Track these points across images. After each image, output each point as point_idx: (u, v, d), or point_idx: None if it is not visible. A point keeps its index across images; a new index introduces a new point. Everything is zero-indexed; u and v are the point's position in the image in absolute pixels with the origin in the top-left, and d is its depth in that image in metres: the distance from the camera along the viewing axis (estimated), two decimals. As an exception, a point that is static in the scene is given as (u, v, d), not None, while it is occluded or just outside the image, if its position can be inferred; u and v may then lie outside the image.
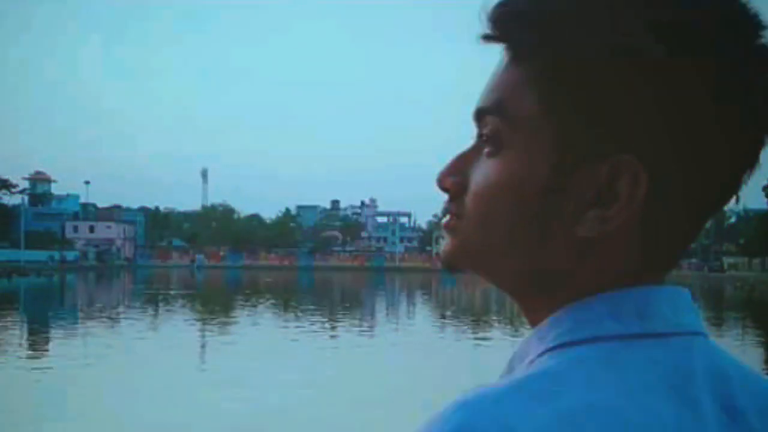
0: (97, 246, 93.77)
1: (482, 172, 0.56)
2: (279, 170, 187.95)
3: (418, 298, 43.03)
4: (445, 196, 0.59)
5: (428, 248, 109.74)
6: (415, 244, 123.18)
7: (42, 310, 29.77)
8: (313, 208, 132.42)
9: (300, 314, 27.32)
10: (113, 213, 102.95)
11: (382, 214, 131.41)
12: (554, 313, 0.55)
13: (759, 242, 79.09)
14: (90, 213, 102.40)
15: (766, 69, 0.53)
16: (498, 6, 0.55)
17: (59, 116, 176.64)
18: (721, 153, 0.53)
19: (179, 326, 22.26)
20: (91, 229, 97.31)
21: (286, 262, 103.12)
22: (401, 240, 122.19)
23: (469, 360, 15.32)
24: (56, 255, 79.02)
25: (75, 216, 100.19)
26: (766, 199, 74.39)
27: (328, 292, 47.29)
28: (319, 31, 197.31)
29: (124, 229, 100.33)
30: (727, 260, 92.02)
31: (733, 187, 0.56)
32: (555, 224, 0.54)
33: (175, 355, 15.69)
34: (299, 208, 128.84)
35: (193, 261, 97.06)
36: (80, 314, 27.31)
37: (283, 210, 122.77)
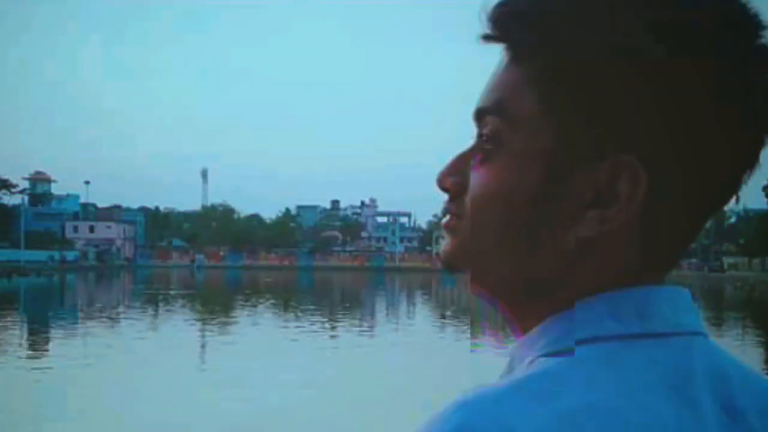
0: (97, 246, 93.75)
1: (475, 179, 0.56)
2: (279, 170, 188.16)
3: (418, 298, 43.05)
4: (445, 196, 0.59)
5: (428, 248, 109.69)
6: (415, 244, 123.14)
7: (42, 310, 29.77)
8: (313, 208, 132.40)
9: (300, 314, 27.32)
10: (113, 213, 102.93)
11: (382, 214, 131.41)
12: (555, 313, 0.55)
13: (759, 242, 79.07)
14: (90, 213, 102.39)
15: (766, 69, 0.53)
16: (498, 6, 0.55)
17: (59, 116, 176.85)
18: (721, 153, 0.53)
19: (179, 326, 22.26)
20: (91, 229, 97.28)
21: (286, 262, 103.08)
22: (401, 240, 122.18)
23: (469, 360, 15.32)
24: (56, 255, 79.00)
25: (75, 216, 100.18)
26: (766, 199, 74.45)
27: (328, 292, 47.29)
28: (319, 31, 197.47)
29: (124, 229, 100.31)
30: (727, 260, 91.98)
31: (733, 187, 0.55)
32: (544, 233, 0.54)
33: (175, 355, 15.69)
34: (299, 208, 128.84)
35: (193, 261, 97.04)
36: (80, 314, 27.31)
37: (283, 210, 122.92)
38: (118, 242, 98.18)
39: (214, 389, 11.29)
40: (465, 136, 0.59)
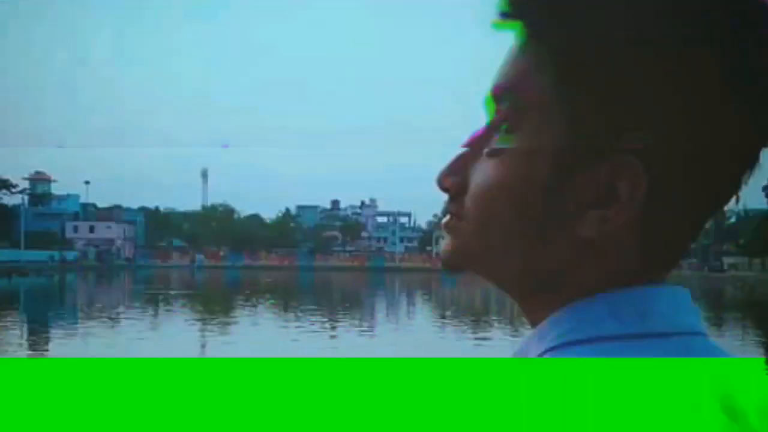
0: (97, 246, 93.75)
1: (482, 172, 0.56)
2: (279, 170, 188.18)
3: (418, 298, 43.01)
4: (445, 196, 0.59)
5: (428, 248, 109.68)
6: (415, 244, 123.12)
7: (42, 309, 29.75)
8: (313, 208, 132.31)
9: (300, 314, 27.30)
10: (113, 213, 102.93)
11: (382, 214, 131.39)
12: (554, 313, 0.55)
13: (759, 242, 79.09)
14: (90, 213, 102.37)
15: (766, 69, 0.52)
16: None
17: (60, 116, 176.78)
18: (721, 153, 0.53)
19: (179, 326, 22.25)
20: (91, 229, 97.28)
21: (286, 262, 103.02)
22: (401, 240, 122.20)
23: (469, 360, 15.30)
24: (56, 255, 78.96)
25: (75, 216, 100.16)
26: (766, 199, 74.45)
27: (328, 292, 47.25)
28: (320, 33, 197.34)
29: (124, 229, 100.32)
30: (727, 260, 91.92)
31: (733, 187, 0.55)
32: (555, 225, 0.54)
33: (175, 355, 15.68)
34: (299, 208, 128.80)
35: (193, 261, 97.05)
36: (80, 314, 27.30)
37: (283, 210, 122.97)
38: (118, 242, 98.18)
39: (214, 389, 11.29)
40: (464, 136, 0.59)
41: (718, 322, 24.98)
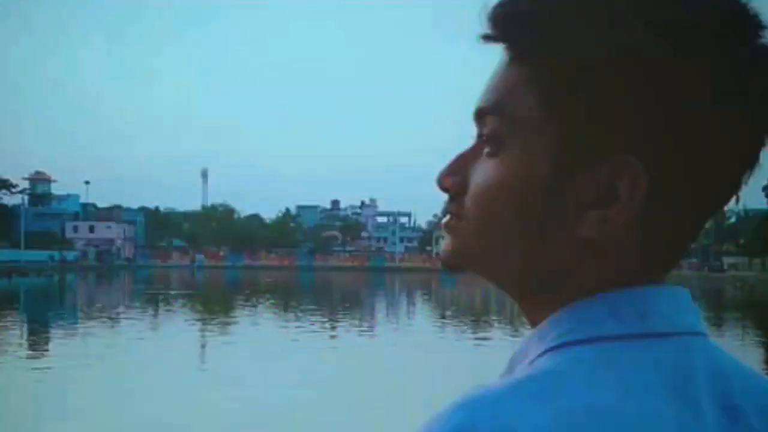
0: (97, 246, 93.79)
1: (482, 172, 0.56)
2: (279, 170, 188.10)
3: (418, 298, 43.00)
4: (445, 196, 0.59)
5: (428, 248, 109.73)
6: (415, 244, 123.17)
7: (42, 309, 29.75)
8: (313, 208, 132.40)
9: (300, 314, 27.29)
10: (113, 213, 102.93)
11: (382, 214, 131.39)
12: (554, 313, 0.55)
13: (759, 242, 79.15)
14: (90, 213, 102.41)
15: (767, 69, 0.53)
16: (498, 6, 0.55)
17: (59, 116, 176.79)
18: (721, 153, 0.53)
19: (179, 326, 22.24)
20: (91, 229, 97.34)
21: (286, 262, 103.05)
22: (401, 240, 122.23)
23: (469, 360, 15.30)
24: (56, 255, 78.97)
25: (75, 216, 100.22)
26: (766, 199, 74.53)
27: (328, 292, 47.25)
28: (320, 30, 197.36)
29: (124, 229, 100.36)
30: (727, 260, 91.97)
31: (733, 187, 0.55)
32: (555, 225, 0.54)
33: (175, 355, 15.68)
34: (299, 208, 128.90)
35: (193, 261, 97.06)
36: (80, 314, 27.29)
37: (283, 210, 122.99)
38: (118, 242, 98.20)
39: (214, 389, 11.29)
40: (465, 136, 0.59)
41: (718, 322, 24.99)
